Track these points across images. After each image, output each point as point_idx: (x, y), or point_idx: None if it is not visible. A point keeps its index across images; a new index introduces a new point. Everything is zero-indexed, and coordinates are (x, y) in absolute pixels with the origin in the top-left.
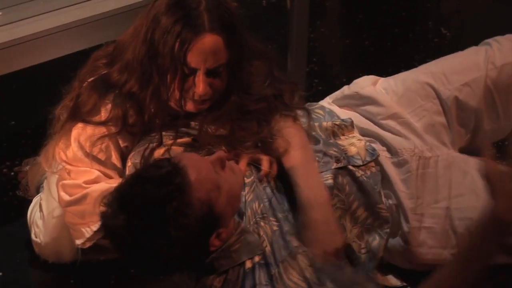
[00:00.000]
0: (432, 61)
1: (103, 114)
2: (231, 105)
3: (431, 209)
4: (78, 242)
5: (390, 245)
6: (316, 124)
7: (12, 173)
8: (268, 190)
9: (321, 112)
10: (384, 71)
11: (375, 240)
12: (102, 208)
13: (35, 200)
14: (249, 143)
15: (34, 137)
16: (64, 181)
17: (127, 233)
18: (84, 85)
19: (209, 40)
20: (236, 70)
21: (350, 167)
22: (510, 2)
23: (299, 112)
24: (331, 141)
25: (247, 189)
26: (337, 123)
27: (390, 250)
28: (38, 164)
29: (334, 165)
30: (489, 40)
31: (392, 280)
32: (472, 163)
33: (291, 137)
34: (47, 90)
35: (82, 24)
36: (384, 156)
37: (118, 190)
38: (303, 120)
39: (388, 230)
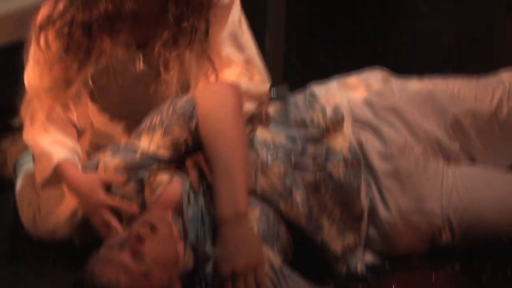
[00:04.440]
0: (452, 76)
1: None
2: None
3: (418, 206)
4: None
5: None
6: (308, 118)
7: None
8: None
9: (319, 114)
10: (362, 47)
11: (352, 238)
12: None
13: (21, 179)
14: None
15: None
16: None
17: None
18: None
19: None
20: None
21: (329, 167)
22: None
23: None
24: (311, 131)
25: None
26: (330, 118)
27: (367, 237)
28: (18, 141)
29: (311, 166)
30: (506, 80)
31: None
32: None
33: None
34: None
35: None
36: (371, 146)
37: None
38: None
39: (362, 226)
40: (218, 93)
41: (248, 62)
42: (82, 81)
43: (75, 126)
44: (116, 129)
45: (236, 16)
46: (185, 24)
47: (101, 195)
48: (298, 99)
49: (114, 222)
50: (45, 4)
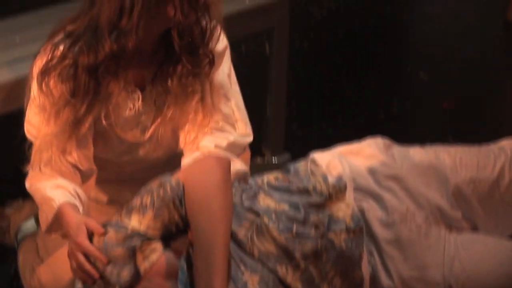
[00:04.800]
0: (454, 146)
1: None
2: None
3: (420, 274)
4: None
5: None
6: (311, 186)
7: None
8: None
9: (320, 180)
10: (363, 115)
11: None
12: None
13: (23, 246)
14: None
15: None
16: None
17: None
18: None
19: None
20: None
21: (331, 235)
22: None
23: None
24: (314, 199)
25: None
26: (333, 185)
27: None
28: (22, 209)
29: (313, 234)
30: (507, 148)
31: None
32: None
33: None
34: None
35: None
36: (373, 214)
37: None
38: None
39: None
40: (204, 170)
41: (234, 112)
42: (90, 122)
43: (78, 169)
44: (111, 183)
45: (226, 66)
46: (194, 55)
47: (80, 238)
48: (299, 167)
49: (87, 265)
50: (42, 53)
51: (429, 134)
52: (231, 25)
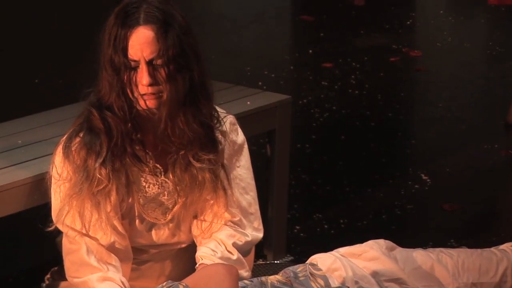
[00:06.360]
0: (456, 249)
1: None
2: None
3: None
4: None
5: None
6: (314, 287)
7: None
8: None
9: (321, 282)
10: (365, 217)
11: None
12: None
13: None
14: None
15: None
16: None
17: None
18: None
19: (142, 32)
20: (178, 72)
21: None
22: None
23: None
24: None
25: None
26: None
27: None
28: None
29: None
30: (510, 252)
31: None
32: None
33: None
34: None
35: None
36: None
37: None
38: None
39: None
40: (215, 279)
41: (249, 206)
42: (115, 196)
43: (114, 249)
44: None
45: (245, 160)
46: (208, 135)
47: None
48: (298, 272)
49: None
50: (65, 135)
51: (432, 237)
52: None
